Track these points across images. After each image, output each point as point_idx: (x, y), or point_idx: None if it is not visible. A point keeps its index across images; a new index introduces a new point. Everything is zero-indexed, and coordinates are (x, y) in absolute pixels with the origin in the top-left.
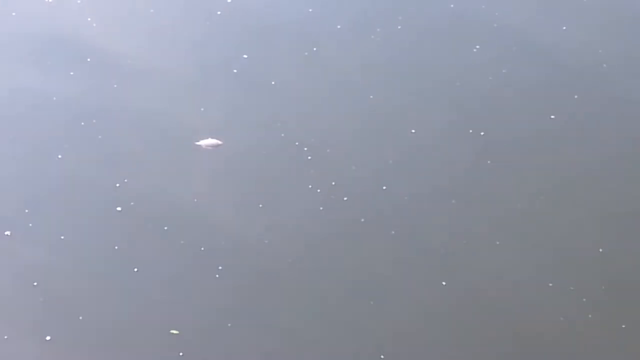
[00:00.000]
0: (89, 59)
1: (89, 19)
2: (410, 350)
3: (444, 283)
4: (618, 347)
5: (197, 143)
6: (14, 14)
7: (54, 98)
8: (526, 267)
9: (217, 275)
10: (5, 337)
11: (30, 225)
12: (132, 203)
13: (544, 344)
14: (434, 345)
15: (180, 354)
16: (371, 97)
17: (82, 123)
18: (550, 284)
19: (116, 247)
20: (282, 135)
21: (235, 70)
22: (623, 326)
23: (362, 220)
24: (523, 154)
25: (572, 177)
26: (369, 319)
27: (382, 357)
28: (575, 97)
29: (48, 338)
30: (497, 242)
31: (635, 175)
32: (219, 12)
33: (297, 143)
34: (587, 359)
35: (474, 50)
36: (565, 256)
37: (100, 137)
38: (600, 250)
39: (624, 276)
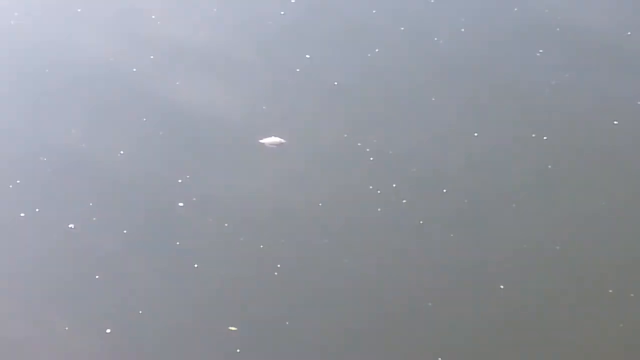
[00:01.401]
0: (152, 57)
1: (153, 17)
2: (467, 353)
3: (502, 287)
4: None
5: (261, 141)
6: None
7: (119, 95)
8: (586, 273)
9: (275, 273)
10: (67, 328)
11: (94, 219)
12: (194, 199)
13: (603, 349)
14: (490, 348)
15: (238, 350)
16: (433, 99)
17: (144, 119)
18: (611, 290)
19: (177, 243)
20: (345, 135)
21: (298, 70)
22: None
23: (421, 222)
24: (585, 159)
25: (634, 184)
26: (427, 321)
27: (439, 359)
28: (639, 103)
29: (108, 331)
30: (557, 247)
31: None
32: (282, 12)
33: (359, 144)
34: None
35: (537, 54)
36: (627, 263)
37: (161, 133)
38: None
39: None
